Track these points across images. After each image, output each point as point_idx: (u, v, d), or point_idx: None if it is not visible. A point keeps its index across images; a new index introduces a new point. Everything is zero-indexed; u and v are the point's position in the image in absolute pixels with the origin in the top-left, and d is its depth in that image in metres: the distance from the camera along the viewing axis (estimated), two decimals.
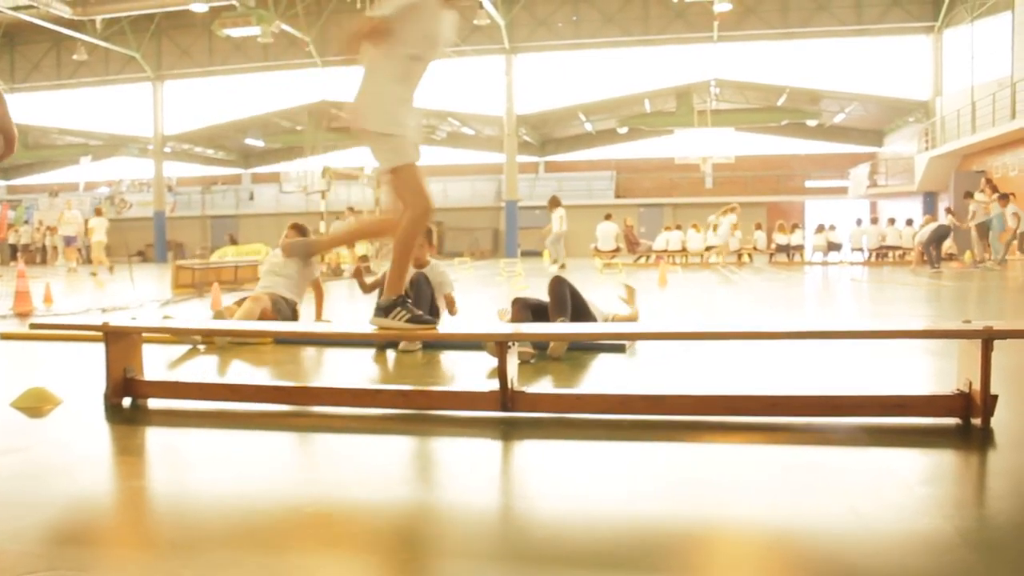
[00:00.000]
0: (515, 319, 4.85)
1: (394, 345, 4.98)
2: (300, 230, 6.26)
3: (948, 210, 15.95)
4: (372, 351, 4.96)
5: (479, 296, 10.32)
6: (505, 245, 31.00)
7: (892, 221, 22.25)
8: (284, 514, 2.12)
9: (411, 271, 5.14)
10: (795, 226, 22.83)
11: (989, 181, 17.12)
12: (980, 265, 16.19)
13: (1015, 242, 16.75)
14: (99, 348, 3.45)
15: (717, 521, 2.02)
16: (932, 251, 15.98)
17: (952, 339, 2.98)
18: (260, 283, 6.09)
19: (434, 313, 5.13)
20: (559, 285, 4.75)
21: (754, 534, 1.93)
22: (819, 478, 2.33)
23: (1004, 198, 15.96)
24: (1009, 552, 1.79)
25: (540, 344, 4.56)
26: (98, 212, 19.75)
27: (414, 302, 4.97)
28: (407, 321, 3.27)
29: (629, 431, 2.93)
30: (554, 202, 18.31)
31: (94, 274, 17.03)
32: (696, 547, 1.88)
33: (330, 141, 31.99)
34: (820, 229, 22.52)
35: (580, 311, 4.78)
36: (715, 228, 21.44)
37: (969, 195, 17.30)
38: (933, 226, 16.74)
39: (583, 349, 4.76)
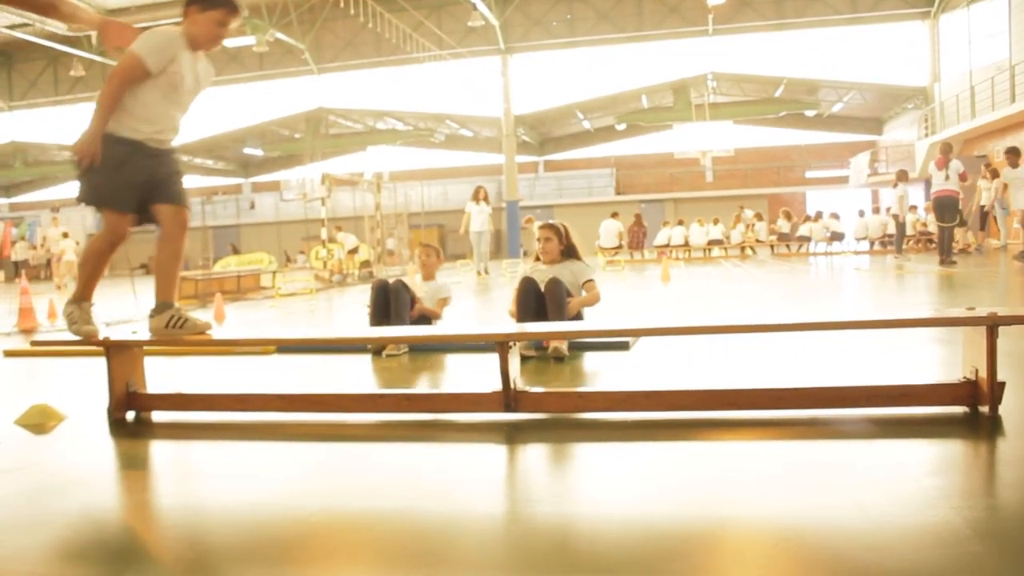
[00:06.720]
0: (518, 307, 4.84)
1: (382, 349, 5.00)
2: None
3: (962, 176, 13.08)
4: (359, 357, 4.96)
5: (480, 300, 10.31)
6: (507, 246, 31.00)
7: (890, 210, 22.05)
8: (291, 525, 2.11)
9: (387, 279, 5.27)
10: (807, 218, 22.66)
11: (988, 166, 16.95)
12: (978, 251, 15.89)
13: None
14: (102, 363, 3.44)
15: (724, 520, 2.00)
16: (945, 235, 12.35)
17: (957, 327, 2.95)
18: None
19: (422, 320, 5.25)
20: (523, 294, 4.72)
21: (761, 531, 1.91)
22: (825, 472, 2.32)
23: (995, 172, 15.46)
24: (1021, 543, 1.77)
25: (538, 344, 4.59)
26: (64, 236, 20.59)
27: (394, 309, 5.06)
28: (182, 323, 3.41)
29: (634, 430, 2.92)
30: (477, 194, 15.42)
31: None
32: (703, 547, 1.86)
33: (329, 148, 32.02)
34: (818, 217, 22.11)
35: (542, 309, 4.70)
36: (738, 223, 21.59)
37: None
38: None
39: (583, 348, 4.75)
